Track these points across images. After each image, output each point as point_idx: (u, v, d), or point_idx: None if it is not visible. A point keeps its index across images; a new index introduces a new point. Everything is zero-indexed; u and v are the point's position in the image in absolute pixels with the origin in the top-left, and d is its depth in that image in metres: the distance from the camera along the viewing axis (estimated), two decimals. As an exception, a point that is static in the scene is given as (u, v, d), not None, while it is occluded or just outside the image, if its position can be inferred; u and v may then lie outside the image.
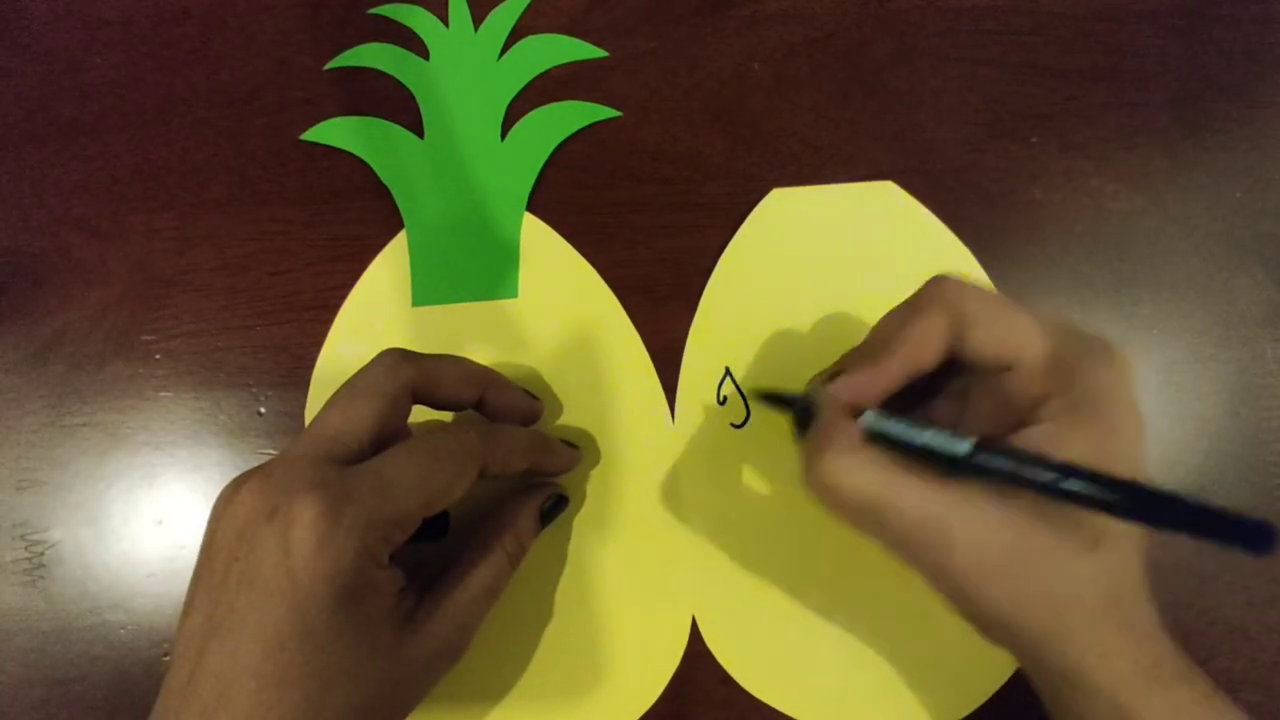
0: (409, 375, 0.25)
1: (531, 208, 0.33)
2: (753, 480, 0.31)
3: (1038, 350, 0.23)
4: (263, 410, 0.32)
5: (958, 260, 0.33)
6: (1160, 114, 0.35)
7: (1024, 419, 0.23)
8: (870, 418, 0.24)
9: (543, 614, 0.30)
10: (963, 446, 0.22)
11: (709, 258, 0.33)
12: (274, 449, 0.32)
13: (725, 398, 0.32)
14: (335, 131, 0.34)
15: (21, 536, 0.32)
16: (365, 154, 0.34)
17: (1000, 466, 0.22)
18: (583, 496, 0.31)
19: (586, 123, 0.34)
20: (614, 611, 0.30)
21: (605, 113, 0.34)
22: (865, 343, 0.27)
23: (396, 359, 0.25)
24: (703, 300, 0.32)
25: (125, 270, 0.33)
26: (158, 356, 0.33)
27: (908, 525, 0.22)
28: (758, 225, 0.33)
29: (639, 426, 0.31)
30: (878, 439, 0.24)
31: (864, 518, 0.23)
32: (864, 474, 0.22)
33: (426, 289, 0.33)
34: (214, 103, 0.35)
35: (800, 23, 0.35)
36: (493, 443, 0.26)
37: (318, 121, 0.34)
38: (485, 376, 0.28)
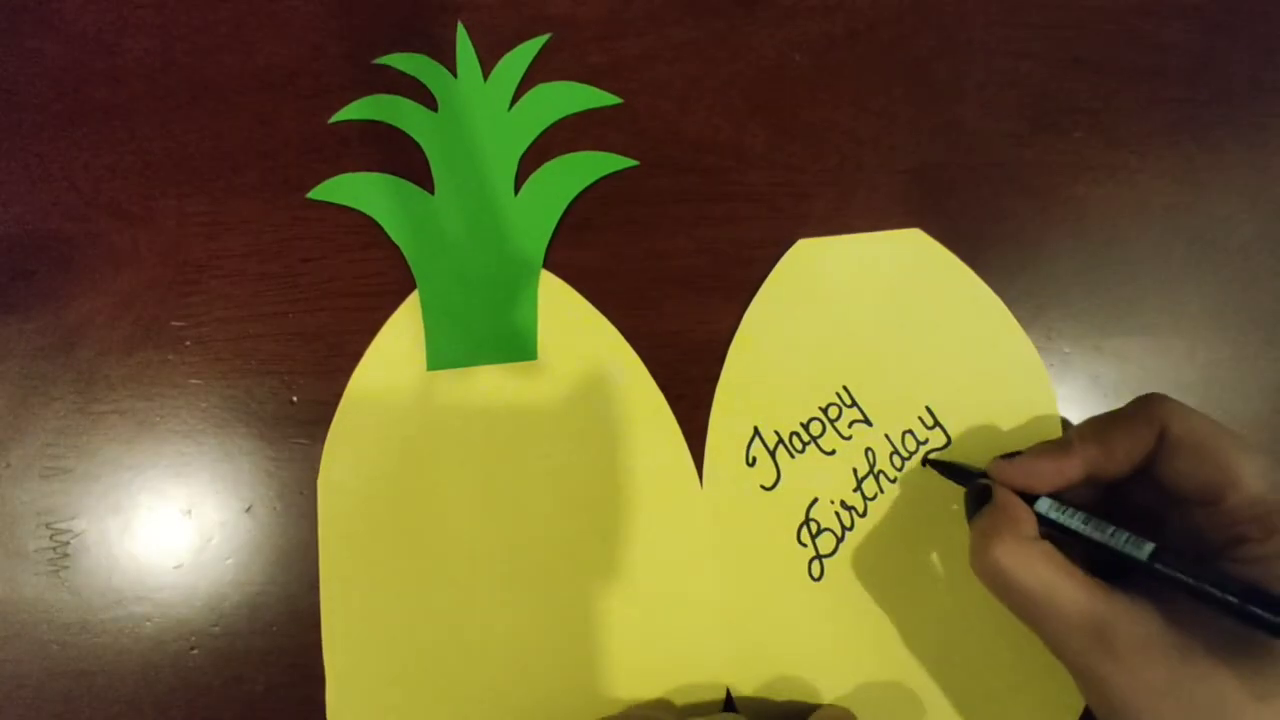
0: None
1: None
2: (786, 544, 0.30)
3: (1248, 490, 0.22)
4: (295, 399, 0.32)
5: (987, 308, 0.32)
6: (1204, 111, 0.34)
7: (1221, 556, 0.22)
8: (1046, 504, 0.24)
9: (575, 688, 0.29)
10: (1145, 550, 0.22)
11: (750, 248, 0.32)
12: (306, 439, 0.31)
13: (755, 459, 0.31)
14: (342, 189, 0.33)
15: (46, 525, 0.31)
16: (374, 211, 0.33)
17: (1181, 577, 0.21)
18: (611, 567, 0.30)
19: (602, 174, 0.33)
20: (646, 684, 0.29)
21: (622, 162, 0.33)
22: (1061, 437, 0.26)
23: None
24: (729, 357, 0.31)
25: (155, 255, 0.33)
26: (188, 343, 0.32)
27: (1072, 625, 0.22)
28: (783, 277, 0.32)
29: (666, 491, 0.30)
30: (1050, 527, 0.24)
31: (1028, 609, 0.23)
32: (1035, 566, 0.22)
33: (441, 352, 0.31)
34: (247, 87, 0.34)
35: (842, 14, 0.35)
36: None
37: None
38: None
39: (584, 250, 0.33)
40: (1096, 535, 0.23)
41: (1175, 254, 0.33)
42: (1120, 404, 0.31)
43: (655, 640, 0.29)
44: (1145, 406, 0.24)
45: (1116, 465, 0.24)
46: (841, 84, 0.34)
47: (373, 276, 0.32)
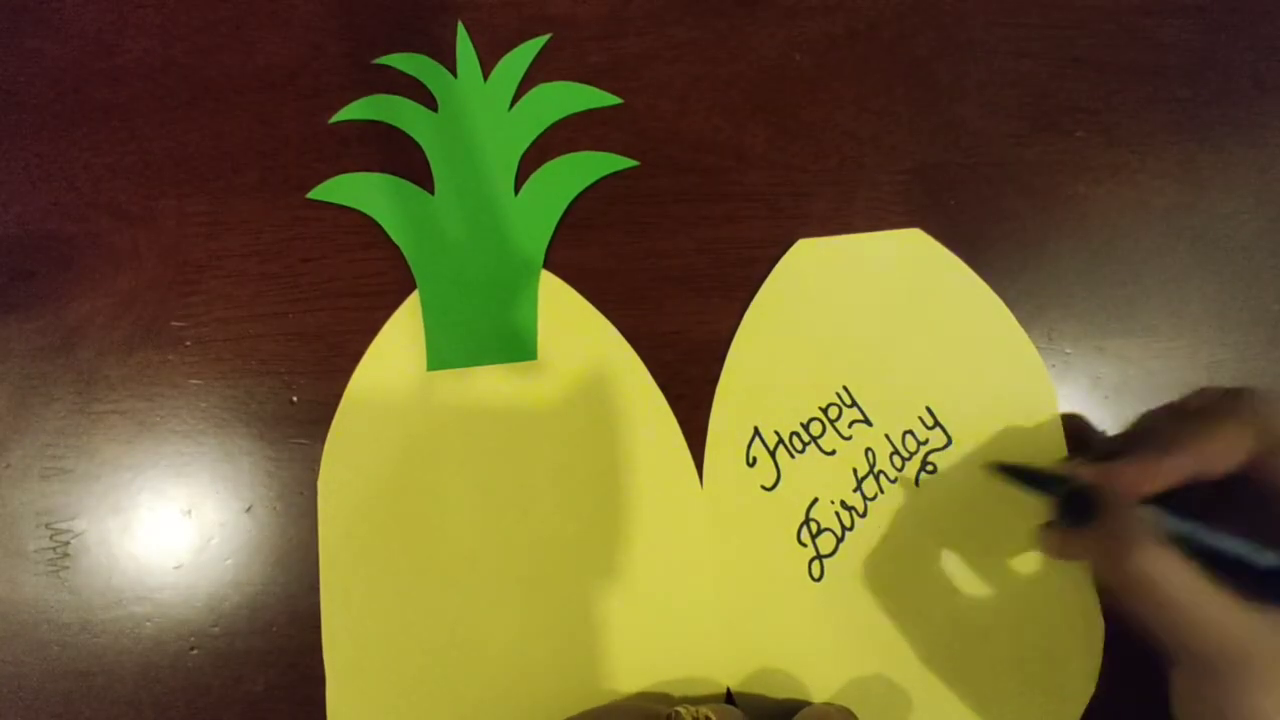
0: None
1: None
2: (786, 544, 0.30)
3: None
4: (295, 399, 0.31)
5: (987, 308, 0.32)
6: (1205, 110, 0.34)
7: None
8: (1163, 514, 0.24)
9: (575, 688, 0.29)
10: (1268, 558, 0.22)
11: (750, 248, 0.32)
12: (306, 439, 0.31)
13: (755, 459, 0.31)
14: (342, 189, 0.33)
15: (46, 525, 0.31)
16: (374, 211, 0.33)
17: None
18: (611, 567, 0.30)
19: (602, 174, 0.33)
20: (646, 684, 0.29)
21: (622, 163, 0.33)
22: (1148, 437, 0.26)
23: None
24: (729, 357, 0.31)
25: (156, 255, 0.33)
26: (188, 343, 0.32)
27: (1210, 643, 0.22)
28: (783, 277, 0.32)
29: (667, 492, 0.30)
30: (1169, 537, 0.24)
31: (1169, 620, 0.22)
32: (1181, 577, 0.22)
33: (441, 352, 0.31)
34: (247, 87, 0.34)
35: (842, 14, 0.35)
36: None
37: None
38: None
39: (584, 250, 0.33)
40: (1222, 545, 0.23)
41: (1177, 254, 0.33)
42: (1121, 405, 0.31)
43: (655, 640, 0.29)
44: (1242, 405, 0.24)
45: (1217, 466, 0.24)
46: (842, 84, 0.34)
47: (373, 276, 0.32)
